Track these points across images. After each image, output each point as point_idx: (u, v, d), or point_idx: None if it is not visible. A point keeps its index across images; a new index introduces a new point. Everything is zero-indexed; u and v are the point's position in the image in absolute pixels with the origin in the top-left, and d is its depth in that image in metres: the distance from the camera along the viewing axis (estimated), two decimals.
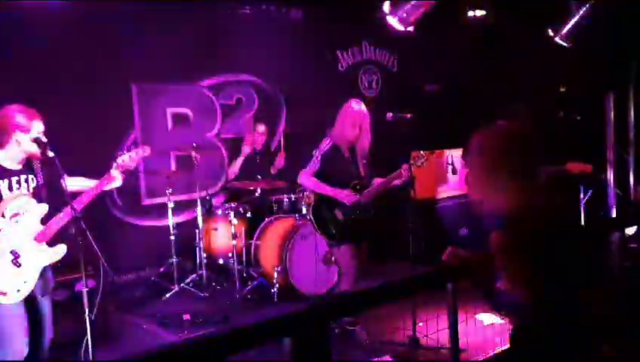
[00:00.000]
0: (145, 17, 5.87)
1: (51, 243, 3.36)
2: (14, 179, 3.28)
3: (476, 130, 2.11)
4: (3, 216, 3.22)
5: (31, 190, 3.36)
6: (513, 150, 1.99)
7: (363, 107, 4.29)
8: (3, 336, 3.24)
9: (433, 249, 6.08)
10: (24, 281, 3.23)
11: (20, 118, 3.21)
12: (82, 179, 3.55)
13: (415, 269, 5.48)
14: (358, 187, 4.29)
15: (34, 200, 3.33)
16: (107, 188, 3.49)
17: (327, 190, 4.22)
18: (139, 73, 5.93)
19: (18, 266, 3.22)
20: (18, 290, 3.21)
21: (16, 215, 3.24)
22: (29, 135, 3.22)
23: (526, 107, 4.98)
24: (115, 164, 3.49)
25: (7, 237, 3.21)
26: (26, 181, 3.34)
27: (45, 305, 3.47)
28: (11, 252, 3.21)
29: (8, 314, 3.21)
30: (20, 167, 3.32)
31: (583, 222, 5.59)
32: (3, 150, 3.25)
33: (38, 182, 3.40)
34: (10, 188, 3.27)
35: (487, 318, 4.52)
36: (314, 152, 4.27)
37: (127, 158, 3.52)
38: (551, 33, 6.32)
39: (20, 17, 5.06)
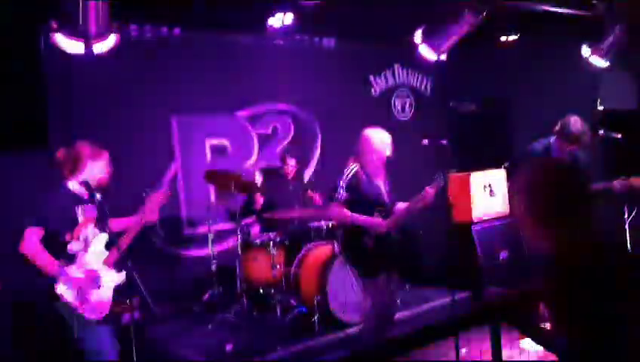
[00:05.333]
0: (183, 51, 6.07)
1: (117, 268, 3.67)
2: (85, 206, 3.59)
3: (518, 156, 2.12)
4: (78, 239, 3.51)
5: (93, 219, 3.63)
6: (559, 193, 1.97)
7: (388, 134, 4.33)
8: (100, 349, 3.52)
9: (471, 273, 6.08)
10: (105, 299, 3.56)
11: (92, 149, 3.63)
12: (123, 219, 3.85)
13: (454, 294, 5.45)
14: (383, 214, 4.26)
15: (96, 229, 3.62)
16: (144, 222, 3.79)
17: (360, 220, 4.18)
18: (179, 106, 6.11)
19: (98, 287, 3.51)
20: (102, 309, 3.51)
21: (86, 240, 3.54)
22: (100, 162, 3.64)
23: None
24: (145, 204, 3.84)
25: (84, 259, 3.51)
26: (89, 210, 3.63)
27: None
28: (90, 273, 3.50)
29: (102, 328, 3.51)
30: (88, 195, 3.62)
31: (628, 244, 5.45)
32: (76, 178, 3.58)
33: (98, 212, 3.67)
34: (83, 215, 3.57)
35: (532, 345, 4.44)
36: (338, 182, 4.24)
37: (154, 198, 3.87)
38: (586, 52, 6.26)
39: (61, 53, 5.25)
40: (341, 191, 4.20)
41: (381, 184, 4.35)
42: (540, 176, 2.05)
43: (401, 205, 4.37)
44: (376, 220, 4.18)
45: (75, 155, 3.57)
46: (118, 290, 3.61)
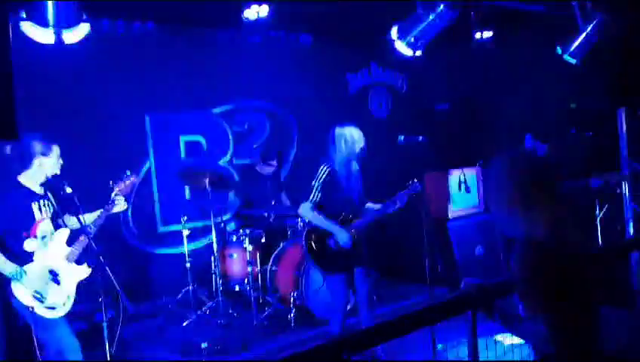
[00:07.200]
0: (156, 47, 5.98)
1: (79, 262, 3.64)
2: (41, 202, 3.54)
3: (493, 154, 2.15)
4: (36, 237, 3.47)
5: (49, 215, 3.59)
6: (529, 180, 2.00)
7: (359, 130, 4.25)
8: (62, 349, 3.47)
9: (448, 268, 6.11)
10: (67, 296, 3.54)
11: (41, 144, 3.51)
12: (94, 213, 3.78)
13: (432, 290, 5.46)
14: (350, 216, 4.22)
15: (54, 225, 3.58)
16: (113, 211, 3.76)
17: (327, 226, 4.14)
18: (152, 103, 6.02)
19: (58, 284, 3.50)
20: (64, 304, 3.51)
21: (44, 237, 3.50)
22: (50, 158, 3.52)
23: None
24: (114, 192, 3.79)
25: (43, 257, 3.47)
26: (45, 205, 3.58)
27: None
28: (50, 271, 3.49)
29: (62, 328, 3.49)
30: (42, 191, 3.58)
31: (599, 239, 5.55)
32: (28, 175, 3.50)
33: (55, 208, 3.63)
34: (40, 211, 3.52)
35: (507, 339, 4.47)
36: (313, 183, 4.17)
37: (122, 185, 3.85)
38: (559, 50, 6.33)
39: (33, 47, 5.14)
40: (316, 193, 4.14)
41: (352, 183, 4.28)
42: (508, 166, 2.10)
43: (372, 206, 4.34)
44: (344, 233, 4.13)
45: (24, 151, 3.48)
46: (93, 288, 3.58)
